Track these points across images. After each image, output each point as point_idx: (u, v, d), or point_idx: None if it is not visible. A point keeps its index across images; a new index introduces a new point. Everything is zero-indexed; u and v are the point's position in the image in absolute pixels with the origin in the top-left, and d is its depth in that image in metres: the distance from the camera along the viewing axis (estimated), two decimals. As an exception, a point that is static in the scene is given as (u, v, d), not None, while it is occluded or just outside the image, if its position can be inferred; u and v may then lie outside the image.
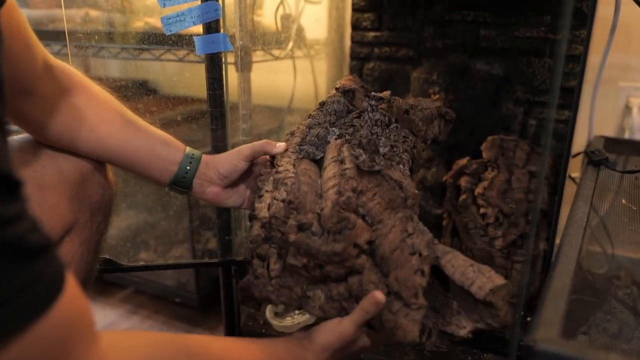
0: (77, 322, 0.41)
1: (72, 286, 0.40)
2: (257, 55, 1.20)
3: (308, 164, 0.71)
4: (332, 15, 1.40)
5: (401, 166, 0.72)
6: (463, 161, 1.19)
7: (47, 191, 0.70)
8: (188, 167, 0.76)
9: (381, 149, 0.71)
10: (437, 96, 1.23)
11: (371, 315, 0.61)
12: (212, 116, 0.93)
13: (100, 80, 0.78)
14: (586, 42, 0.67)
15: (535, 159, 1.15)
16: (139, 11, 1.17)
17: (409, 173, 0.72)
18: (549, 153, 1.11)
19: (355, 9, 1.36)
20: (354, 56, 1.39)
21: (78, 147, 0.72)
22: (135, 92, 1.07)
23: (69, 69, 0.73)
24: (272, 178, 0.70)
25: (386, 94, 0.87)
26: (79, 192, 0.74)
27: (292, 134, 0.80)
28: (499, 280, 0.61)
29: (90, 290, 0.86)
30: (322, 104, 0.84)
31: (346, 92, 0.86)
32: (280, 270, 0.66)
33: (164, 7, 0.83)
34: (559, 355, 0.50)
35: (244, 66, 1.17)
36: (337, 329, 0.64)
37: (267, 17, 1.28)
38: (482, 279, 0.61)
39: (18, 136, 0.74)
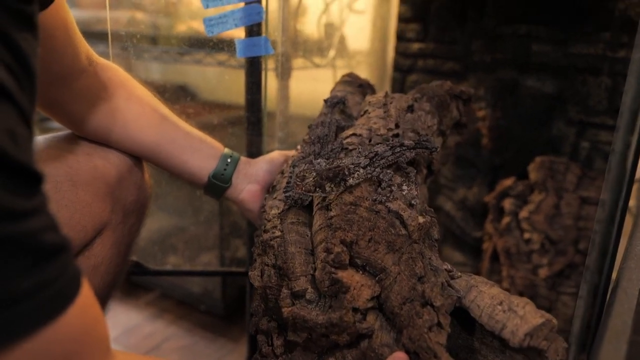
0: (89, 334, 0.38)
1: (86, 295, 0.37)
2: (298, 62, 1.17)
3: (296, 214, 0.62)
4: (376, 24, 1.36)
5: (405, 187, 0.62)
6: (508, 182, 1.13)
7: (80, 188, 0.68)
8: (229, 160, 0.75)
9: (350, 180, 0.58)
10: (483, 112, 1.18)
11: None
12: (249, 121, 0.90)
13: (140, 82, 0.77)
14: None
15: (587, 183, 1.08)
16: (184, 15, 1.16)
17: (415, 193, 0.62)
18: (603, 178, 1.04)
19: (400, 19, 1.32)
20: (396, 67, 1.35)
21: (115, 139, 0.71)
22: (174, 95, 1.05)
23: (113, 66, 0.73)
24: (260, 239, 0.62)
25: (380, 95, 0.79)
26: (114, 191, 0.72)
27: (282, 172, 0.72)
28: (536, 319, 0.50)
29: (117, 293, 0.84)
30: (310, 127, 0.75)
31: (335, 105, 0.78)
32: (285, 347, 0.58)
33: (207, 8, 0.81)
34: (622, 405, 0.44)
35: (284, 73, 1.15)
36: None
37: (310, 24, 1.25)
38: (515, 321, 0.51)
39: (57, 133, 0.73)
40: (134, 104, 0.72)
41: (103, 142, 0.71)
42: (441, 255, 1.30)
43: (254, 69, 0.89)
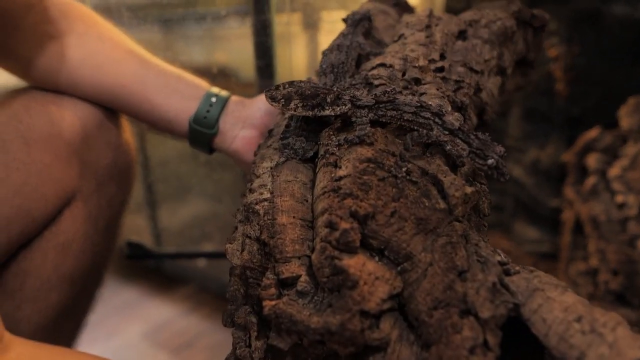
0: None
1: None
2: (326, 13, 1.04)
3: (293, 170, 0.48)
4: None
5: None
6: (592, 133, 0.98)
7: (34, 147, 0.58)
8: (213, 100, 0.62)
9: (327, 110, 0.47)
10: (555, 51, 0.99)
11: None
12: (257, 67, 0.77)
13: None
14: None
15: (700, 128, 0.88)
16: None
17: (464, 151, 0.46)
18: None
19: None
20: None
21: (67, 82, 0.62)
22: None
23: (72, 2, 0.64)
24: (244, 201, 0.49)
25: (422, 15, 0.63)
26: (80, 151, 0.63)
27: (283, 112, 0.56)
28: (633, 351, 0.34)
29: (110, 274, 0.73)
30: (324, 54, 0.60)
31: (357, 23, 0.62)
32: (266, 351, 0.44)
33: None
34: None
35: (310, 24, 1.01)
36: None
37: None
38: (600, 349, 0.35)
39: (14, 89, 0.64)
40: (91, 38, 0.61)
41: (56, 88, 0.61)
42: (512, 232, 1.10)
43: (259, 8, 0.75)
